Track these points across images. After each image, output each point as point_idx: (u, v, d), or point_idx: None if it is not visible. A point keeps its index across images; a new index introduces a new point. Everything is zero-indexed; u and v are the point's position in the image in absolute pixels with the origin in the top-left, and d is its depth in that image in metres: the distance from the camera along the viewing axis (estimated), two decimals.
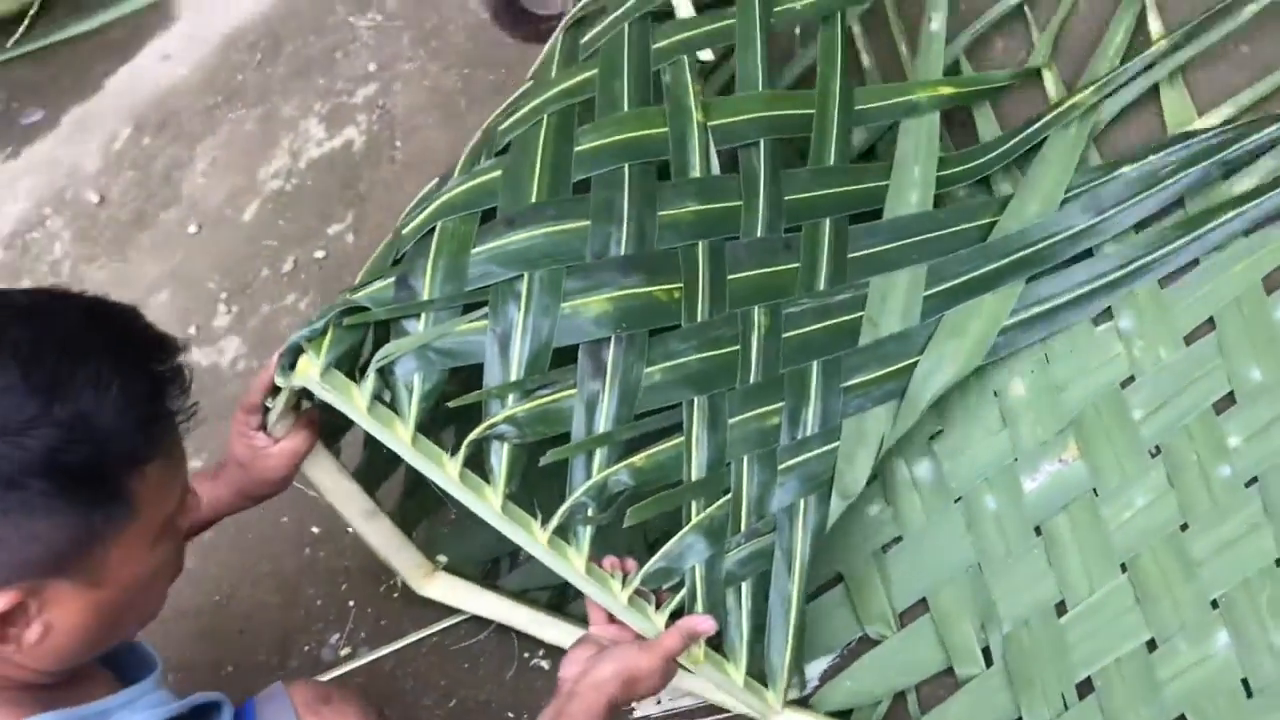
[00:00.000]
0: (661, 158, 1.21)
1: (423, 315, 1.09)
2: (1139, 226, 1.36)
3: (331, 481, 1.24)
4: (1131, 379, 1.32)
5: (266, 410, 1.11)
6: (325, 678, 1.37)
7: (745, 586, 1.17)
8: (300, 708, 1.03)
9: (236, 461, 1.15)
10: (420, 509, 1.40)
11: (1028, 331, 1.32)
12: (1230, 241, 1.33)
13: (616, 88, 1.25)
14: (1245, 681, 1.19)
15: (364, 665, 1.40)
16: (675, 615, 1.14)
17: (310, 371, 1.06)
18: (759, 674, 1.20)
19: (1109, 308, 1.34)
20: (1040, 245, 1.33)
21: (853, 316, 1.26)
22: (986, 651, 1.27)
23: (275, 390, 1.09)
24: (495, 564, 1.44)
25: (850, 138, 1.33)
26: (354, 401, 1.07)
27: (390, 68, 1.81)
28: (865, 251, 1.29)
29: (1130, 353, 1.32)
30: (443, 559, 1.36)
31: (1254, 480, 1.25)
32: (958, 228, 1.34)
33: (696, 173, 1.22)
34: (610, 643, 1.10)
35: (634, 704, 1.30)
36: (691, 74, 1.27)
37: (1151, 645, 1.23)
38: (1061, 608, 1.26)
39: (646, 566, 1.13)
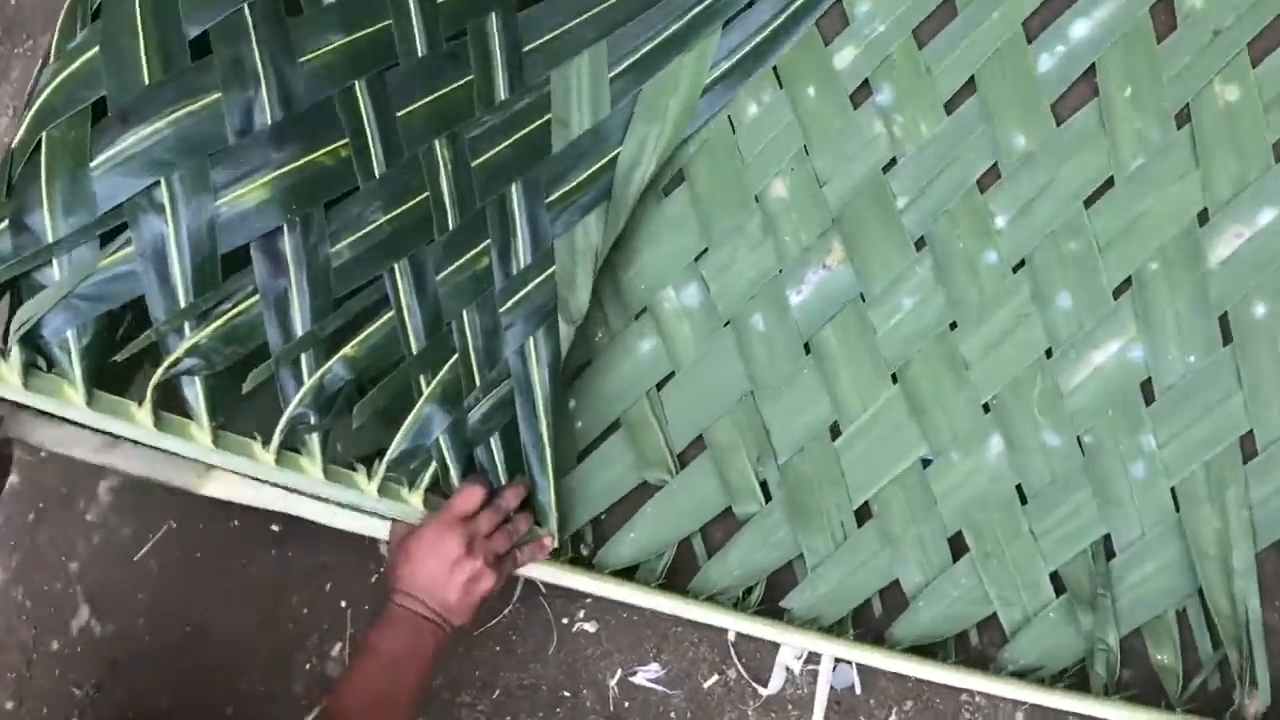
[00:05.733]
0: None
1: (54, 260, 0.94)
2: None
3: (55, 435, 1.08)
4: (894, 162, 1.18)
5: None
6: None
7: (494, 440, 1.14)
8: None
9: None
10: None
11: (729, 86, 1.22)
12: None
13: None
14: (1020, 488, 1.15)
15: None
16: (432, 489, 1.12)
17: None
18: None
19: (866, 80, 1.19)
20: None
21: (542, 121, 1.15)
22: (767, 486, 1.20)
23: None
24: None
25: None
26: (8, 380, 0.93)
27: None
28: (539, 41, 1.16)
29: (891, 131, 1.18)
30: None
31: (1021, 264, 1.15)
32: None
33: None
34: None
35: None
36: None
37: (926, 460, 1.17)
38: (836, 430, 1.19)
39: (389, 453, 1.08)
